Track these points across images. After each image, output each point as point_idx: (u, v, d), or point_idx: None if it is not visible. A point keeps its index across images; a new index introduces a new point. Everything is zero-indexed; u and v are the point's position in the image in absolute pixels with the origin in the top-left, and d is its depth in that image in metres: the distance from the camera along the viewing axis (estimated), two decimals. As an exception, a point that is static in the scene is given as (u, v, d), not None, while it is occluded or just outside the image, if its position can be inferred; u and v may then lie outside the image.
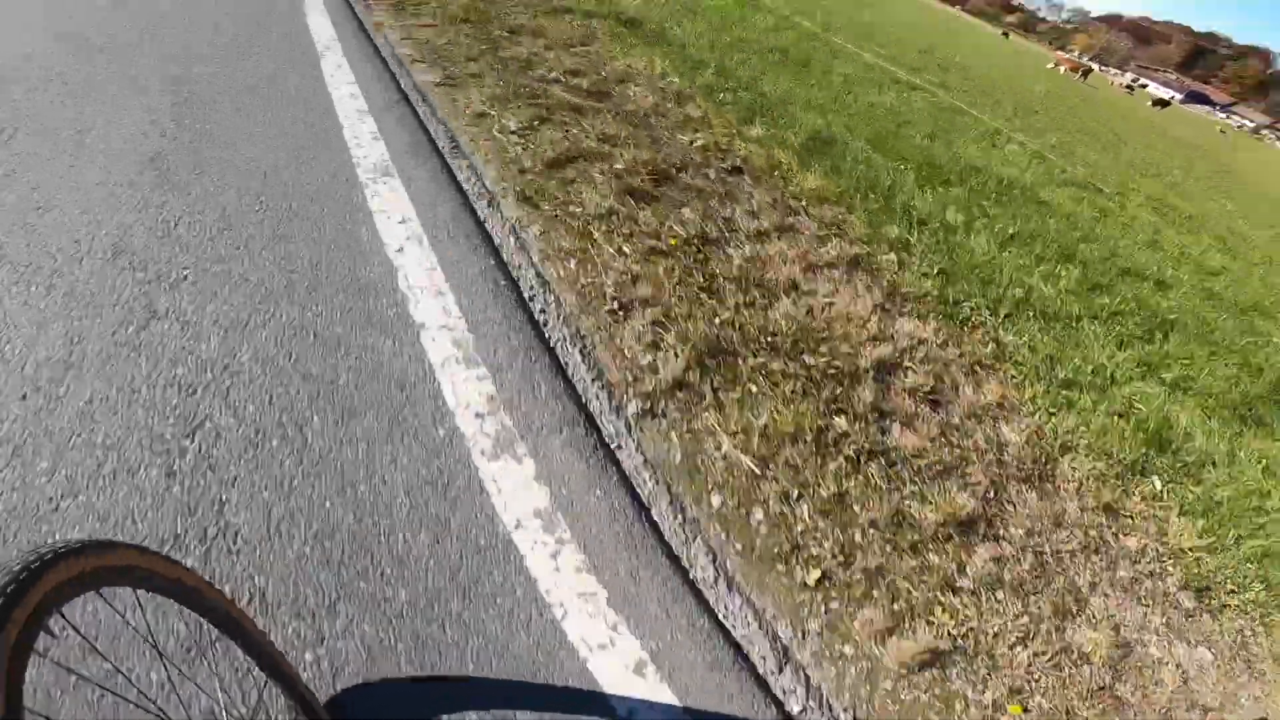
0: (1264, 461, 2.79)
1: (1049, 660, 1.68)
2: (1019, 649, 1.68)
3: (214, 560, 1.36)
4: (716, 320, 2.53)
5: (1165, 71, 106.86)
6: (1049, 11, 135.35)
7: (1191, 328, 4.03)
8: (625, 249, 2.82)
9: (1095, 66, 68.51)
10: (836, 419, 2.22)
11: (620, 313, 2.46)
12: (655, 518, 1.79)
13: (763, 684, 1.49)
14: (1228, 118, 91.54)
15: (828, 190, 4.02)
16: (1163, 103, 34.01)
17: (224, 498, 1.48)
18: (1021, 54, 42.33)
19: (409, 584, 1.42)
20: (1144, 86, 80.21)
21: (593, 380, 2.15)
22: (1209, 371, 3.47)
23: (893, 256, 3.46)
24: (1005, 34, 78.01)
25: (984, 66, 19.51)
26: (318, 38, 4.47)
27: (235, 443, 1.61)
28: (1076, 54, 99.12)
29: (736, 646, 1.55)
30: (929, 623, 1.68)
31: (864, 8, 21.78)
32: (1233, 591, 2.09)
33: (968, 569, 1.85)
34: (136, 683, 1.13)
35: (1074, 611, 1.84)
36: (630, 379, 2.18)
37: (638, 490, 1.85)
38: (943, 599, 1.75)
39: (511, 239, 2.79)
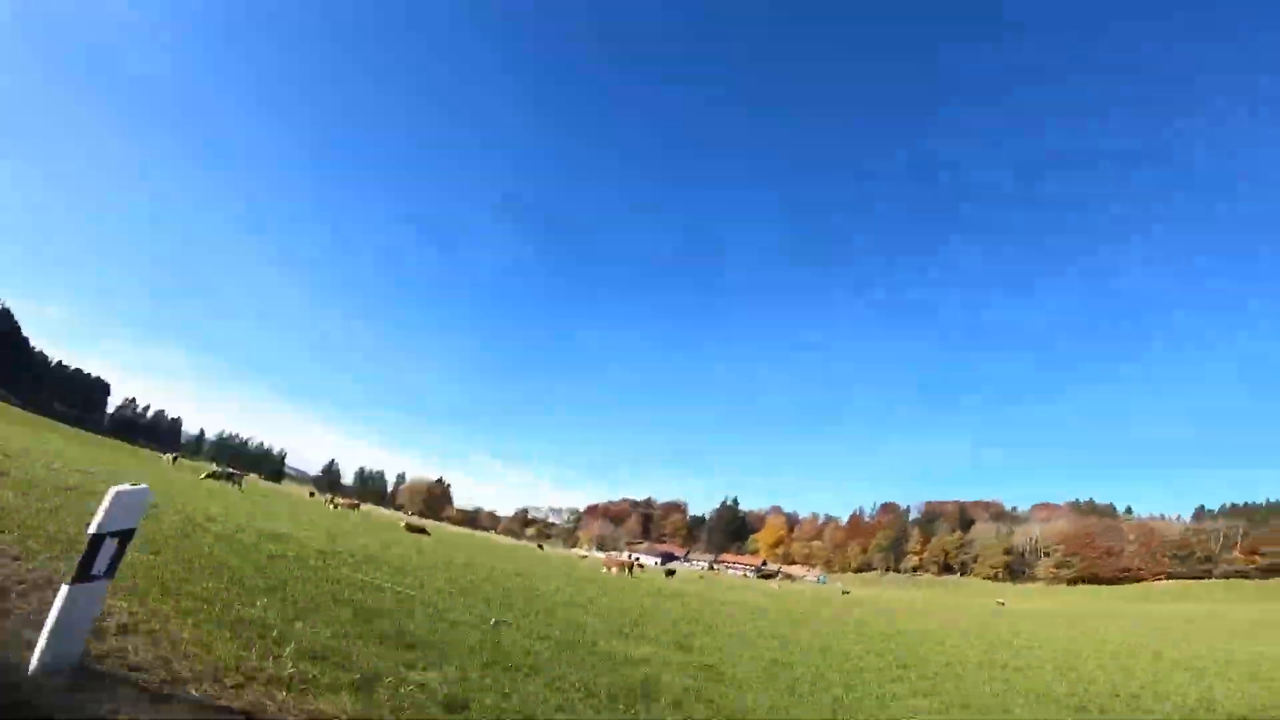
0: None
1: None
2: None
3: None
4: None
5: (639, 543, 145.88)
6: (555, 516, 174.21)
7: None
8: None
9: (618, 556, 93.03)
10: None
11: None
12: None
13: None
14: (692, 565, 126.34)
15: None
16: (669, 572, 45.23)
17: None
18: (557, 558, 53.92)
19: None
20: (640, 565, 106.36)
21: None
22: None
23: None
24: (540, 545, 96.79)
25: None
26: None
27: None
28: (602, 552, 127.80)
29: None
30: None
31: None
32: None
33: None
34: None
35: None
36: None
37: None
38: None
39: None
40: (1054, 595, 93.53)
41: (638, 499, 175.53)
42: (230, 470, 51.32)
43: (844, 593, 62.76)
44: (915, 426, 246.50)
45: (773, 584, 61.79)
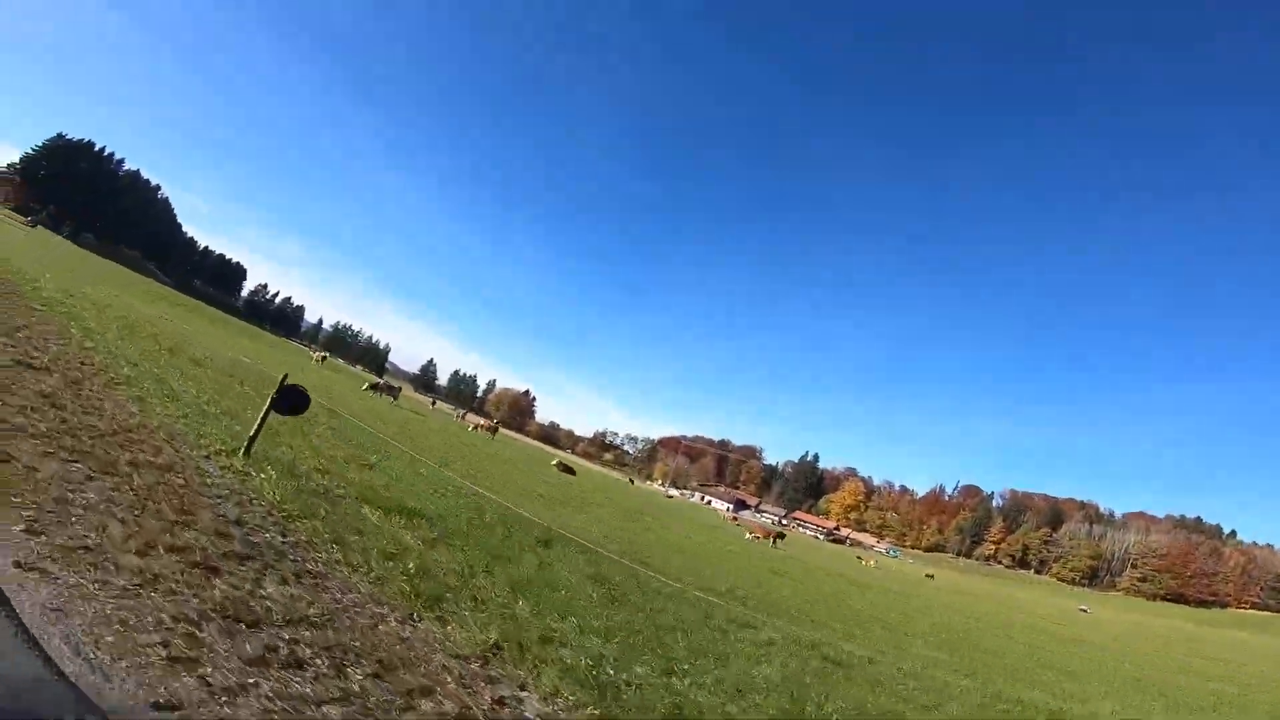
0: None
1: None
2: None
3: None
4: None
5: (713, 485, 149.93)
6: (630, 445, 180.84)
7: None
8: None
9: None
10: None
11: None
12: None
13: None
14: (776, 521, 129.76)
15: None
16: (779, 535, 44.45)
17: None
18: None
19: None
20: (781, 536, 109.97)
21: None
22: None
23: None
24: (630, 480, 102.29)
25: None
26: None
27: None
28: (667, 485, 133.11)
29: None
30: None
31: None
32: None
33: None
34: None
35: None
36: None
37: None
38: None
39: None
40: (1136, 608, 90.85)
41: (712, 438, 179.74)
42: (390, 384, 55.41)
43: (928, 576, 63.23)
44: (1008, 405, 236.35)
45: (870, 562, 63.16)
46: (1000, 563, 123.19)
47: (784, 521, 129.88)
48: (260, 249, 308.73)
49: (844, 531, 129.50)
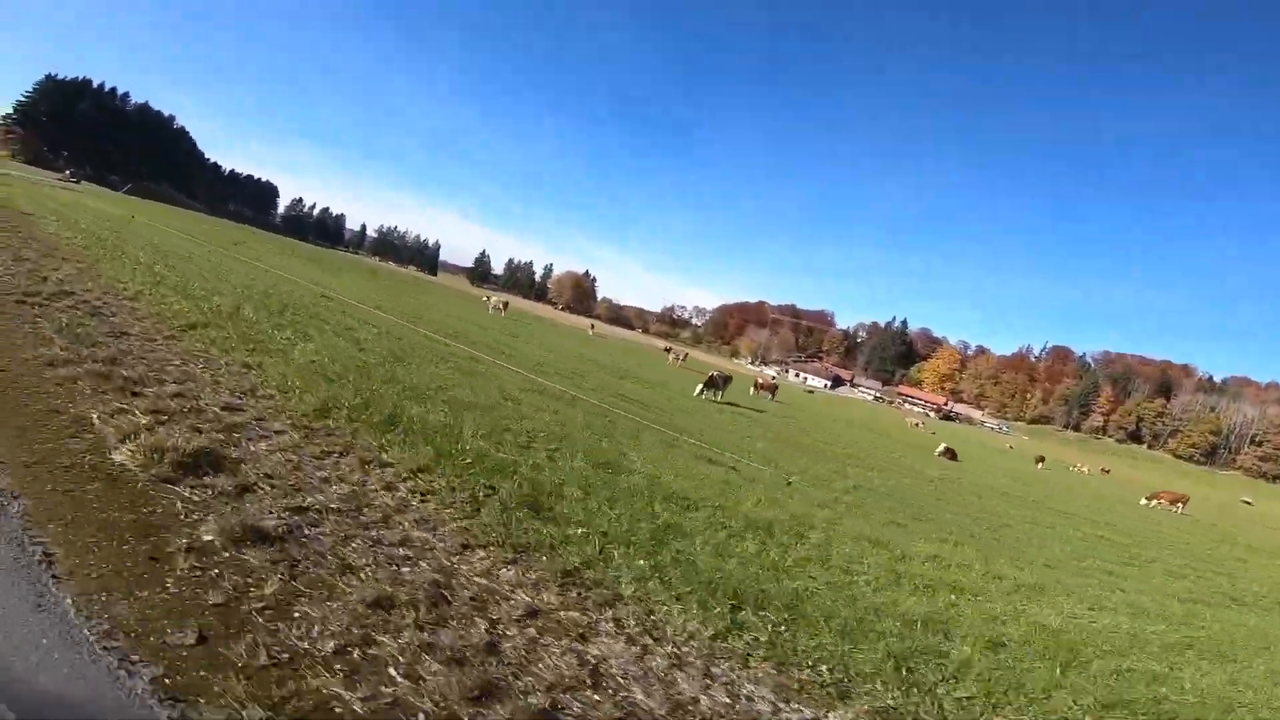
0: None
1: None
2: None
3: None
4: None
5: (803, 360, 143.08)
6: (697, 316, 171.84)
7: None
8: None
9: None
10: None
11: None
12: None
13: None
14: (879, 398, 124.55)
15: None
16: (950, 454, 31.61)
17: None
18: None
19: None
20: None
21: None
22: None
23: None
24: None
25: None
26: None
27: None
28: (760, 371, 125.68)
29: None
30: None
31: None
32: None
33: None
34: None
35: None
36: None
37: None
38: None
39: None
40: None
41: (772, 303, 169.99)
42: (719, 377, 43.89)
43: (1038, 460, 52.60)
44: (1088, 257, 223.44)
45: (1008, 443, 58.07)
46: (1110, 435, 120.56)
47: (880, 398, 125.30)
48: (271, 161, 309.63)
49: (940, 401, 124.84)
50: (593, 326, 57.53)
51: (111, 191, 60.32)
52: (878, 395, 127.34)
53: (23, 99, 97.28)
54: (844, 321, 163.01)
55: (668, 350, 46.76)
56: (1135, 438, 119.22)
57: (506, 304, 42.75)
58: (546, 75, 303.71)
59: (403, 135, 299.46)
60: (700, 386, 20.63)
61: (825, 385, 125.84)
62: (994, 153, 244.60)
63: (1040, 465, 45.71)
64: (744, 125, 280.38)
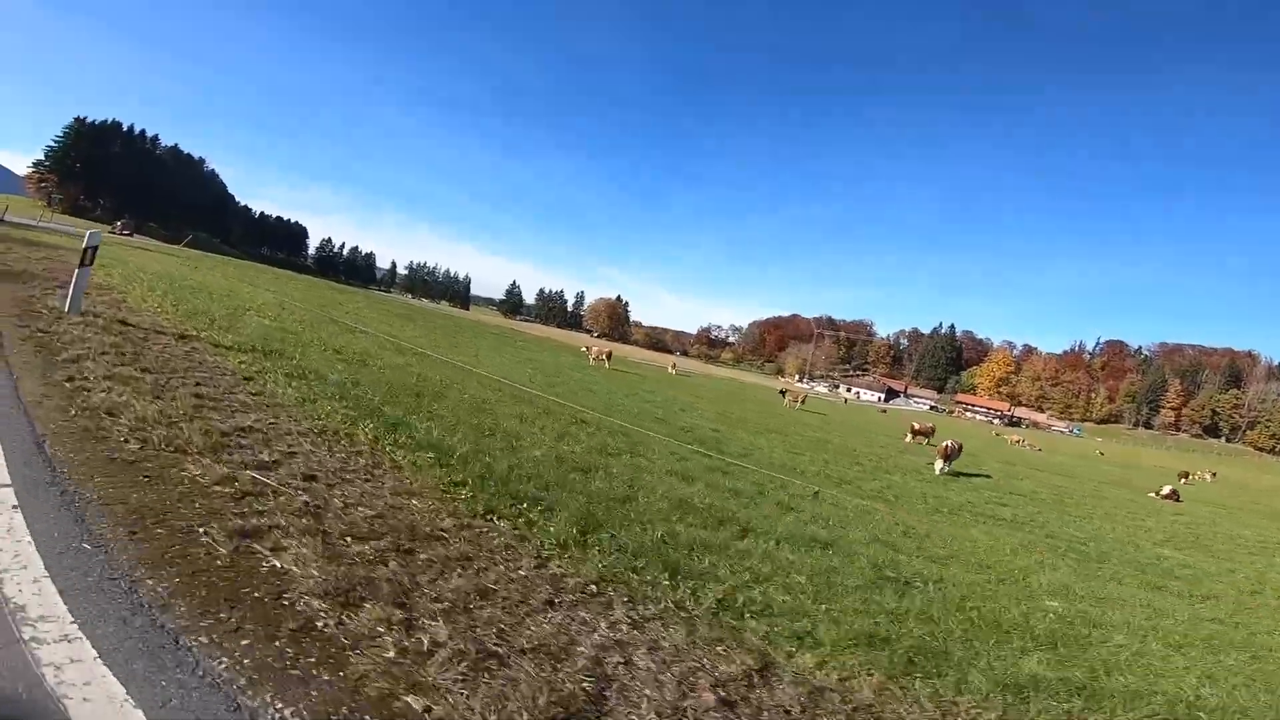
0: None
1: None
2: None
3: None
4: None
5: (854, 374, 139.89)
6: (734, 335, 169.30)
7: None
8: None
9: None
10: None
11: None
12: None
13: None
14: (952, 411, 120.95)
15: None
16: (1013, 421, 28.01)
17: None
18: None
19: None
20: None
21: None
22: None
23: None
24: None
25: None
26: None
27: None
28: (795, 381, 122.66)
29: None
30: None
31: None
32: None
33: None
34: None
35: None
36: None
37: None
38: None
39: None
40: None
41: (805, 315, 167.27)
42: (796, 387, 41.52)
43: (1182, 481, 49.12)
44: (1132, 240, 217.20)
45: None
46: (1183, 431, 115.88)
47: (936, 408, 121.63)
48: (292, 203, 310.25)
49: (1005, 408, 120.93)
50: (674, 366, 54.88)
51: (172, 246, 58.38)
52: (934, 405, 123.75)
53: (54, 144, 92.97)
54: (883, 330, 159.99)
55: (783, 393, 43.47)
56: (1211, 431, 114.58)
57: (609, 354, 39.11)
58: (556, 103, 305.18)
59: (415, 170, 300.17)
60: (940, 463, 17.50)
61: (879, 399, 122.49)
62: (1023, 139, 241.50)
63: (1185, 481, 41.43)
64: (756, 135, 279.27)
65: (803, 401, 40.44)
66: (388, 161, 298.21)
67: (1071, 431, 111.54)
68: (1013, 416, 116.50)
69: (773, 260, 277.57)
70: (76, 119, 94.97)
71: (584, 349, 42.61)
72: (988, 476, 18.38)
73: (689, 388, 36.13)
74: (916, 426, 28.38)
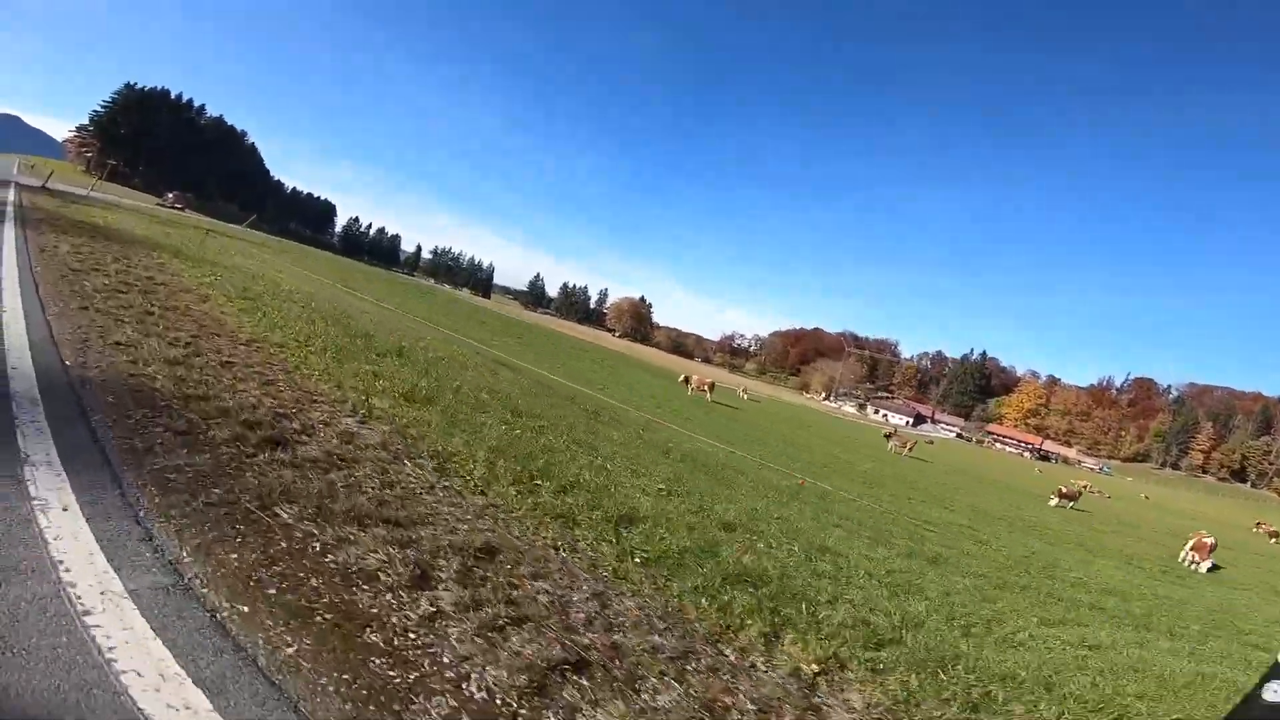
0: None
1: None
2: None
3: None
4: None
5: (883, 396, 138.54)
6: (755, 344, 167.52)
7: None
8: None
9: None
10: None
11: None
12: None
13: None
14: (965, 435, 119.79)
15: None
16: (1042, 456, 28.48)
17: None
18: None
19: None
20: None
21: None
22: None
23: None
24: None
25: None
26: None
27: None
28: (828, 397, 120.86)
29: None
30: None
31: None
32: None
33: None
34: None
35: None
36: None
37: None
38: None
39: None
40: None
41: (825, 327, 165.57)
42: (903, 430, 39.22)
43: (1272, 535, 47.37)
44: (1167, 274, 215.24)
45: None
46: (1210, 474, 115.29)
47: (962, 435, 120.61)
48: (315, 179, 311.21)
49: (1036, 442, 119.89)
50: (744, 390, 52.92)
51: (232, 226, 54.58)
52: (960, 433, 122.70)
53: (101, 108, 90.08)
54: (906, 350, 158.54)
55: (888, 436, 41.27)
56: (1238, 476, 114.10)
57: (712, 385, 36.53)
58: (579, 94, 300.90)
59: (437, 151, 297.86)
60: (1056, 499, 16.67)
61: (907, 422, 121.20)
62: (1054, 162, 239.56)
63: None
64: (782, 138, 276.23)
65: (911, 448, 38.44)
66: (411, 142, 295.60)
67: (1101, 470, 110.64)
68: (1043, 450, 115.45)
69: (788, 264, 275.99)
70: (127, 84, 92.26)
71: (684, 378, 38.26)
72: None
73: (790, 422, 34.72)
74: (1064, 490, 27.66)
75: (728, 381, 64.61)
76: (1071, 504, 26.46)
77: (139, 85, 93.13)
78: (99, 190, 38.79)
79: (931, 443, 35.42)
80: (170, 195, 59.48)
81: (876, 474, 19.98)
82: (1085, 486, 54.83)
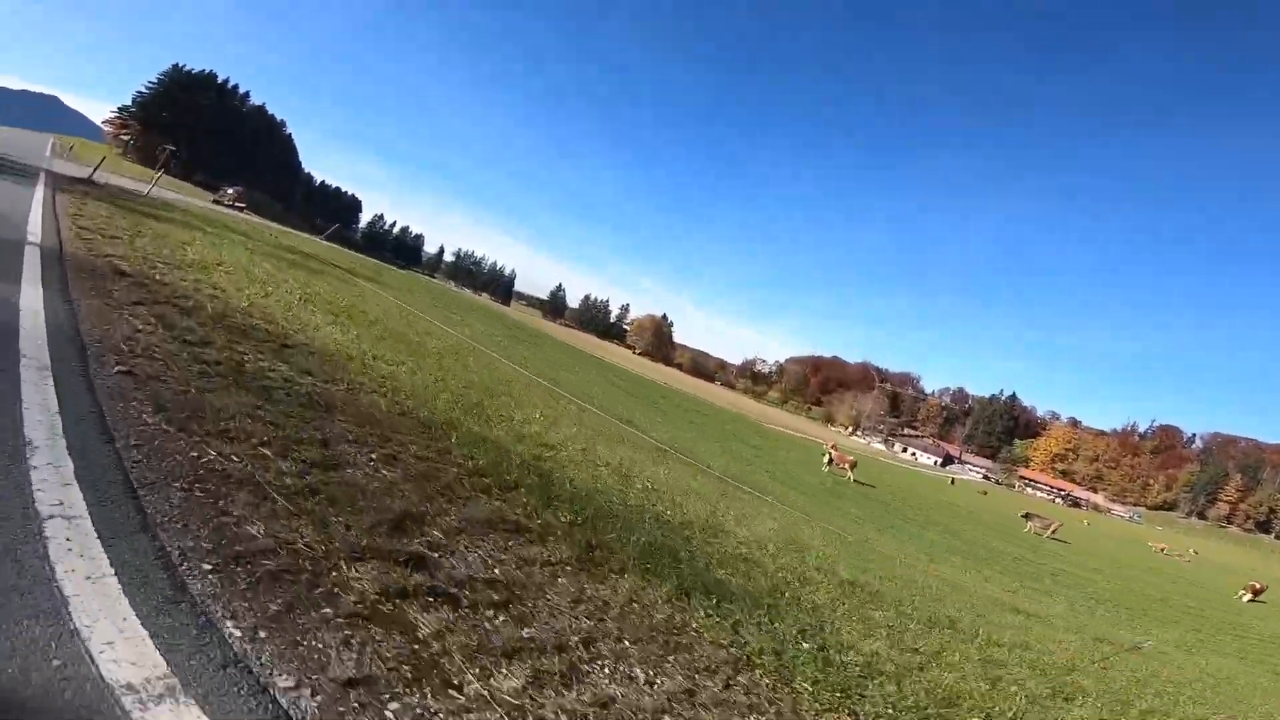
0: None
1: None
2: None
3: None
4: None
5: (912, 435, 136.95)
6: (773, 369, 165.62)
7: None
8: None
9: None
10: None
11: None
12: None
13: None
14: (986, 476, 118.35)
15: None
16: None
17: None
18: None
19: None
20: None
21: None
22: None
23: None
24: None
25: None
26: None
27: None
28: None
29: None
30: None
31: None
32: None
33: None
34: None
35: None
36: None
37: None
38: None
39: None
40: None
41: (843, 356, 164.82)
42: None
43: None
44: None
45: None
46: (1236, 524, 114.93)
47: (988, 477, 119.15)
48: (338, 172, 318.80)
49: (1068, 488, 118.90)
50: (833, 446, 49.11)
51: (312, 236, 49.20)
52: (987, 475, 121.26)
53: (145, 90, 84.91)
54: (929, 384, 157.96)
55: (1027, 516, 37.76)
56: (1263, 528, 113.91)
57: (854, 463, 33.69)
58: (602, 105, 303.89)
59: (459, 153, 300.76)
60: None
61: (936, 462, 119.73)
62: (1081, 193, 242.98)
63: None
64: (805, 164, 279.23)
65: (1054, 531, 35.85)
66: (430, 139, 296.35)
67: (1132, 518, 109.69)
68: (1074, 497, 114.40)
69: (806, 289, 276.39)
70: (174, 65, 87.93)
71: (826, 457, 34.04)
72: None
73: (929, 503, 32.12)
74: (1258, 586, 26.54)
75: (814, 435, 61.93)
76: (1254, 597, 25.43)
77: (186, 68, 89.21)
78: (161, 186, 30.14)
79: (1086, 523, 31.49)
80: (230, 192, 51.67)
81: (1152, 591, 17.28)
82: (1163, 549, 52.24)
